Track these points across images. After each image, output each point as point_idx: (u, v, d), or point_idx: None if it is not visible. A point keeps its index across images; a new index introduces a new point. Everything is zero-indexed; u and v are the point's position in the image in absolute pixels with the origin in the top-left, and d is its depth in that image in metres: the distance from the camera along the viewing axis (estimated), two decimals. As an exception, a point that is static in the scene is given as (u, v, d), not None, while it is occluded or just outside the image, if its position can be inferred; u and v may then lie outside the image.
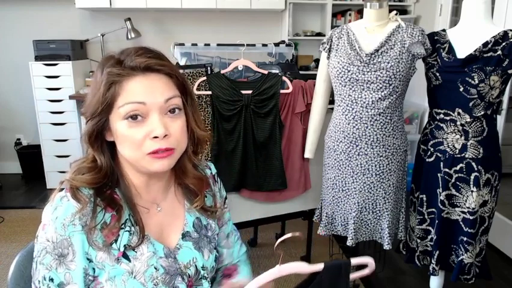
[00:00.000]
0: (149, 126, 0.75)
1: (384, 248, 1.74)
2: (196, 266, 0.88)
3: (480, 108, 1.52)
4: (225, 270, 1.03)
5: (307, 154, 1.96)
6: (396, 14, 1.63)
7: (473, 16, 1.56)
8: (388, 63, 1.54)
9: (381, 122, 1.61)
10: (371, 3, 1.60)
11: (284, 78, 1.95)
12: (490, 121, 1.55)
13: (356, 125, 1.63)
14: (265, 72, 1.96)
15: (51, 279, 0.75)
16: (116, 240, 0.78)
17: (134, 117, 0.75)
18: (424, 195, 1.71)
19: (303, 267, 0.82)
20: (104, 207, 0.78)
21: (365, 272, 0.86)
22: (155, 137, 0.75)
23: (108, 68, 0.76)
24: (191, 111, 0.84)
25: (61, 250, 0.74)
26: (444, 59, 1.57)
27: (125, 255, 0.78)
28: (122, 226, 0.79)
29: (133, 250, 0.80)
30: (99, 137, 0.80)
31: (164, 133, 0.75)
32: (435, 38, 1.61)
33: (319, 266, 0.82)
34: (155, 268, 0.81)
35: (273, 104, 1.93)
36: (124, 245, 0.78)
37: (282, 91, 1.94)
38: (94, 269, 0.77)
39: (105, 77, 0.75)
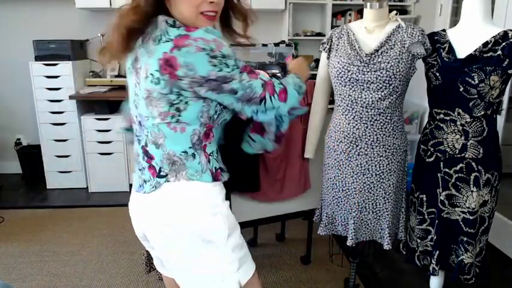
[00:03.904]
0: None
1: (384, 248, 1.74)
2: None
3: (480, 108, 1.52)
4: None
5: (307, 154, 1.96)
6: (396, 14, 1.63)
7: (473, 16, 1.56)
8: (388, 63, 1.54)
9: (381, 122, 1.61)
10: (371, 3, 1.60)
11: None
12: (490, 121, 1.55)
13: (356, 125, 1.63)
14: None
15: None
16: None
17: None
18: (424, 195, 1.71)
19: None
20: None
21: None
22: (212, 2, 1.01)
23: None
24: None
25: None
26: (444, 59, 1.57)
27: None
28: None
29: None
30: None
31: None
32: (435, 38, 1.61)
33: None
34: None
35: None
36: None
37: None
38: None
39: None
